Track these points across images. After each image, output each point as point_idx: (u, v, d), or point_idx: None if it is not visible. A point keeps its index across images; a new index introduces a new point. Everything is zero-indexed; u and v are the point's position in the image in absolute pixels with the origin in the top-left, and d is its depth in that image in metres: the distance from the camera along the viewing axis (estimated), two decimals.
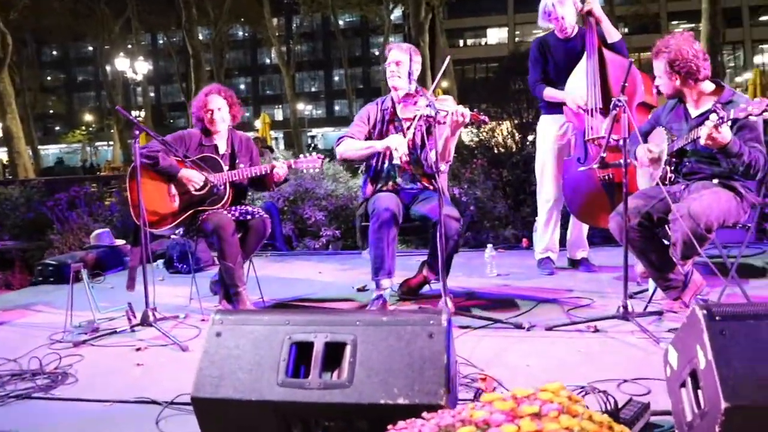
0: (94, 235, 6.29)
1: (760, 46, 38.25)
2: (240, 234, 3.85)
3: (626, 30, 33.09)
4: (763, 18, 36.75)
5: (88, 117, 48.89)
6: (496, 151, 8.15)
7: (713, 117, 2.71)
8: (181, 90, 35.91)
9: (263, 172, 3.87)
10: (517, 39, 40.52)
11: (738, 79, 35.72)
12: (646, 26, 34.95)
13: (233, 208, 3.94)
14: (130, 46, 31.96)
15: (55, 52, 51.22)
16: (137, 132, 3.56)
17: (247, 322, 1.96)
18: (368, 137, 3.84)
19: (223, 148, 4.02)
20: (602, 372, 2.51)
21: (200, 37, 33.73)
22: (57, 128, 49.10)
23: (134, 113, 37.50)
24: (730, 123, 2.76)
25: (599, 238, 5.68)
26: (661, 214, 3.09)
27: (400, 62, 3.75)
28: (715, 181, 3.08)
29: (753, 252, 4.68)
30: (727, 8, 15.65)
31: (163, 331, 3.39)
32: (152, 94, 47.85)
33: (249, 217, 3.89)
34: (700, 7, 14.45)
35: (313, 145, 38.94)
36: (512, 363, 2.73)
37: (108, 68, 31.43)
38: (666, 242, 3.21)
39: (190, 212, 3.85)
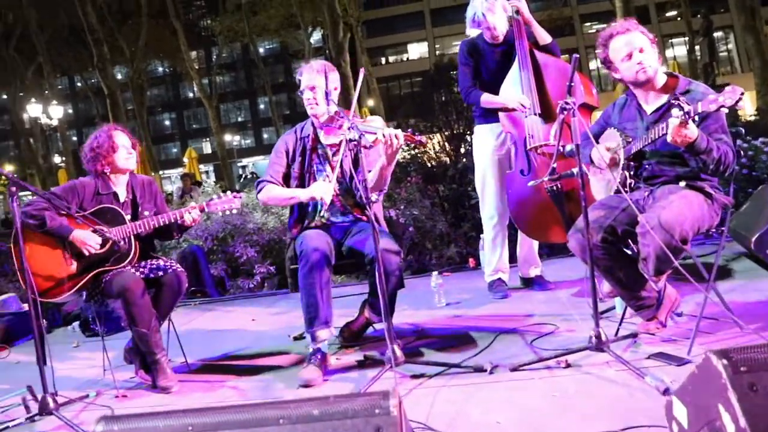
0: None
1: (670, 41, 39.75)
2: (152, 292, 3.34)
3: None
4: (670, 14, 38.19)
5: (9, 167, 46.55)
6: (429, 166, 7.85)
7: (676, 112, 2.36)
8: None
9: (171, 220, 3.36)
10: (437, 52, 40.88)
11: None
12: (561, 29, 35.81)
13: (142, 263, 3.42)
14: (47, 91, 30.47)
15: None
16: (13, 189, 2.98)
17: None
18: (287, 173, 3.40)
19: (123, 195, 3.49)
20: (586, 422, 2.12)
21: (119, 76, 32.58)
22: None
23: (56, 159, 35.78)
24: (697, 118, 2.43)
25: (547, 248, 5.39)
26: (626, 227, 2.71)
27: (315, 87, 3.29)
28: (682, 183, 2.74)
29: (710, 250, 4.43)
30: (636, 6, 16.01)
31: (65, 420, 2.83)
32: (74, 138, 45.95)
33: (161, 273, 3.37)
34: (611, 8, 14.69)
35: (245, 175, 38.07)
36: (479, 420, 2.30)
37: (25, 116, 29.93)
38: (629, 252, 2.87)
39: (91, 274, 3.31)
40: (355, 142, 2.82)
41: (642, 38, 2.78)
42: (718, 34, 32.20)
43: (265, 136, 49.61)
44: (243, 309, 5.22)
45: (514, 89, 3.87)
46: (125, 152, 3.44)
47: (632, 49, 2.77)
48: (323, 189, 3.19)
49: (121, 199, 3.47)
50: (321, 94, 3.29)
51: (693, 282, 2.61)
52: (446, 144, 8.28)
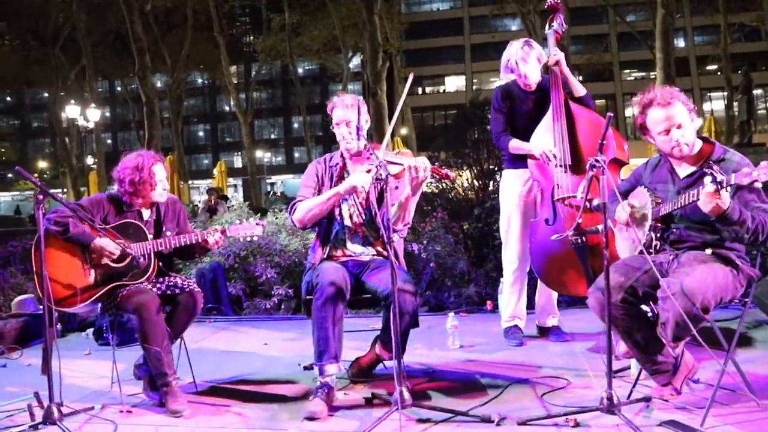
0: (16, 302, 5.71)
1: (708, 94, 39.48)
2: (167, 310, 3.37)
3: (580, 78, 33.85)
4: (710, 67, 38.00)
5: (43, 164, 47.64)
6: (455, 199, 7.82)
7: (709, 180, 2.34)
8: (137, 138, 35.22)
9: (192, 241, 3.39)
10: (474, 87, 41.08)
11: None
12: (600, 74, 35.82)
13: (159, 279, 3.44)
14: (86, 94, 31.24)
15: (9, 98, 50.23)
16: (41, 197, 3.04)
17: None
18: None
19: (147, 213, 3.53)
20: None
21: (158, 84, 33.24)
22: (9, 176, 47.62)
23: (89, 160, 36.46)
24: (730, 190, 2.40)
25: (567, 298, 5.31)
26: (646, 288, 2.67)
27: (350, 121, 3.33)
28: (708, 251, 2.70)
29: (731, 315, 4.33)
30: (676, 58, 15.93)
31: None
32: (109, 141, 46.90)
33: (177, 290, 3.39)
34: (651, 57, 14.67)
35: (272, 191, 38.31)
36: None
37: (63, 115, 30.74)
38: (646, 308, 2.81)
39: (108, 287, 3.34)
40: (382, 180, 2.84)
41: (682, 112, 2.72)
42: (757, 92, 31.93)
43: (296, 155, 50.01)
44: (257, 331, 5.22)
45: (546, 138, 3.86)
46: (161, 187, 3.46)
47: (671, 125, 2.71)
48: (361, 178, 3.17)
49: (145, 218, 3.51)
50: (354, 129, 3.32)
51: (711, 352, 2.56)
52: (475, 181, 8.25)
